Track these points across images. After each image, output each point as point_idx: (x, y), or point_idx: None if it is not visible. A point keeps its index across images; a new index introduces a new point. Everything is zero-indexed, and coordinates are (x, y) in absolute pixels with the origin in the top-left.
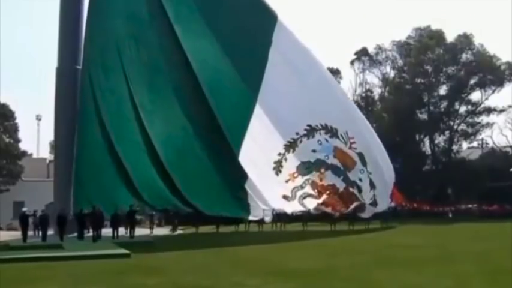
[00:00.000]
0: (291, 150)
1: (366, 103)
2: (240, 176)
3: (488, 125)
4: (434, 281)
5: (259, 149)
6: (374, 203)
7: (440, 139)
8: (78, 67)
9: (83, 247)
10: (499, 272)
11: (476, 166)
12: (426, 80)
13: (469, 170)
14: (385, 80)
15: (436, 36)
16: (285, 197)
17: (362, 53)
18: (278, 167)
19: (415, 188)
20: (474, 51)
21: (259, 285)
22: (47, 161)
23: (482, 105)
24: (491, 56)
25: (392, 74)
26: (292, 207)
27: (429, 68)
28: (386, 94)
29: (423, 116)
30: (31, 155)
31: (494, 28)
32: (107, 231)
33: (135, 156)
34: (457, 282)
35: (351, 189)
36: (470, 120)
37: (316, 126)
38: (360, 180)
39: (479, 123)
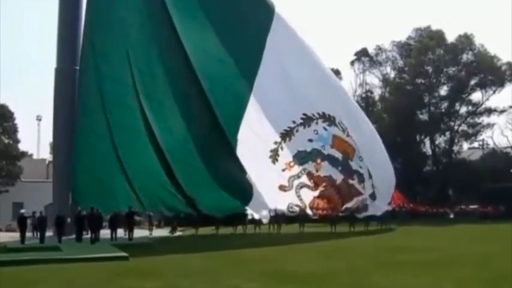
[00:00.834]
0: (287, 138)
1: (366, 104)
2: (239, 169)
3: (489, 125)
4: (434, 285)
5: (256, 137)
6: (373, 196)
7: (440, 140)
8: (77, 68)
9: (80, 249)
10: (499, 277)
11: (477, 167)
12: (426, 80)
13: (469, 171)
14: (385, 80)
15: (437, 37)
16: (281, 188)
17: (362, 54)
18: (274, 156)
19: (415, 189)
20: (475, 51)
21: None
22: (47, 162)
23: (483, 106)
24: (491, 56)
25: (392, 74)
26: (288, 199)
27: (429, 69)
28: (386, 95)
29: (424, 117)
30: (31, 155)
31: (494, 28)
32: (105, 233)
33: (135, 145)
34: (457, 286)
35: (350, 181)
36: (471, 120)
37: (313, 115)
38: (361, 167)
39: (480, 123)
